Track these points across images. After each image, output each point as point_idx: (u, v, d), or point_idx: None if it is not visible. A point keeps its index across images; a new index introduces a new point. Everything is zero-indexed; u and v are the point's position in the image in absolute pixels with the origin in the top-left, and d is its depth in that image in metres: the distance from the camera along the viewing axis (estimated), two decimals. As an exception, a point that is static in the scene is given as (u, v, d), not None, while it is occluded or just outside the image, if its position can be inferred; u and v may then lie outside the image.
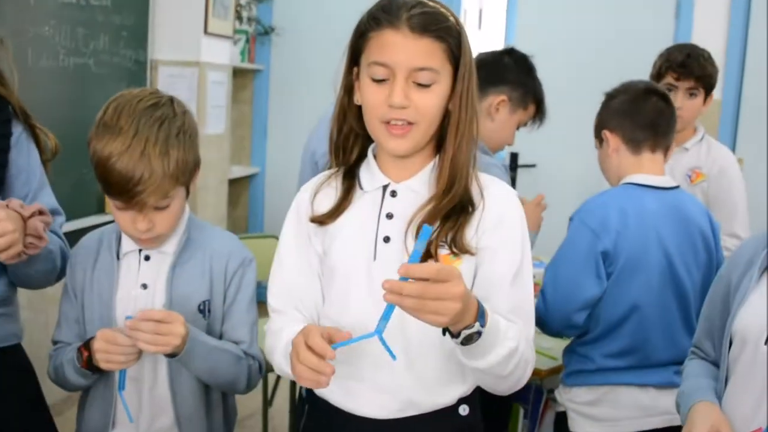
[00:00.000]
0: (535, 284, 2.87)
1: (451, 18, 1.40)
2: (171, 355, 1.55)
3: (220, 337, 1.68)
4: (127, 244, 1.67)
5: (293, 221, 1.53)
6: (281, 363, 1.45)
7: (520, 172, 4.72)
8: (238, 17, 4.41)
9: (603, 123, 2.16)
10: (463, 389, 1.47)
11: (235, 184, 4.95)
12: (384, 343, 1.23)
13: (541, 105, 2.31)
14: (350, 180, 1.49)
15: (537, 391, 2.42)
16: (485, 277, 1.42)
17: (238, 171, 4.95)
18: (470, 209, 1.42)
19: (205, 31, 3.92)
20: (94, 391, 1.68)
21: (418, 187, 1.45)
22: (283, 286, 1.52)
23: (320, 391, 1.48)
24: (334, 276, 1.47)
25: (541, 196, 2.39)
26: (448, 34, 1.38)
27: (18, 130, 1.74)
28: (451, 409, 1.46)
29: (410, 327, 1.35)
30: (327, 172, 1.54)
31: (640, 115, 2.10)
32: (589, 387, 2.04)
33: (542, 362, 2.39)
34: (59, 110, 3.28)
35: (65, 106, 3.34)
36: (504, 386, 1.41)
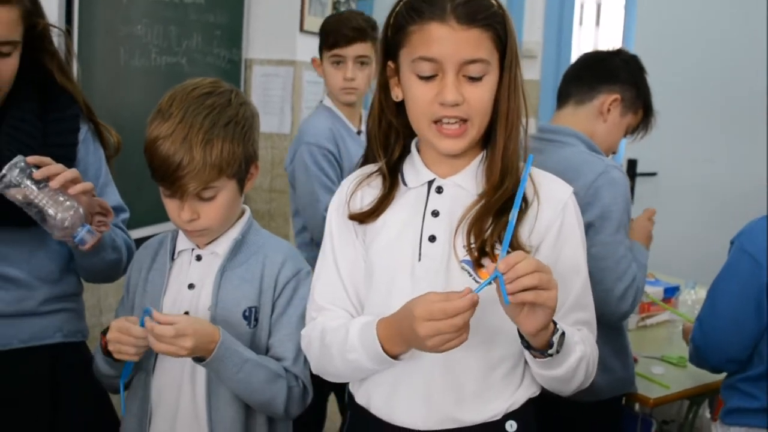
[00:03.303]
0: (650, 303, 2.78)
1: (494, 2, 1.36)
2: (199, 360, 1.54)
3: (267, 351, 1.65)
4: (182, 243, 1.69)
5: (336, 216, 1.52)
6: (358, 359, 1.40)
7: (639, 180, 4.56)
8: (337, 15, 4.44)
9: None
10: (509, 403, 1.43)
11: (332, 189, 4.97)
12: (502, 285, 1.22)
13: (649, 111, 2.22)
14: (393, 176, 1.47)
15: (645, 422, 2.31)
16: None
17: (336, 175, 4.96)
18: (524, 205, 1.37)
19: (301, 29, 3.95)
20: (131, 403, 1.69)
21: (465, 182, 1.43)
22: (329, 283, 1.50)
23: (361, 399, 1.50)
24: (375, 276, 1.45)
25: (653, 210, 2.29)
26: (495, 21, 1.34)
27: (85, 127, 1.81)
28: (496, 425, 1.43)
29: None
30: (366, 169, 1.52)
31: None
32: (750, 428, 1.91)
33: (651, 390, 2.27)
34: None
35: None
36: (570, 389, 1.42)
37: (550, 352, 1.30)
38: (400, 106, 1.45)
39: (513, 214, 1.25)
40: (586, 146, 2.10)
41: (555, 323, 1.29)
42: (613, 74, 2.16)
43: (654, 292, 2.85)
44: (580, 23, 5.62)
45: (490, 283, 1.23)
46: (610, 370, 2.07)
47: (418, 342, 1.28)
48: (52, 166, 1.58)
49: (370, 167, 1.52)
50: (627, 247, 2.00)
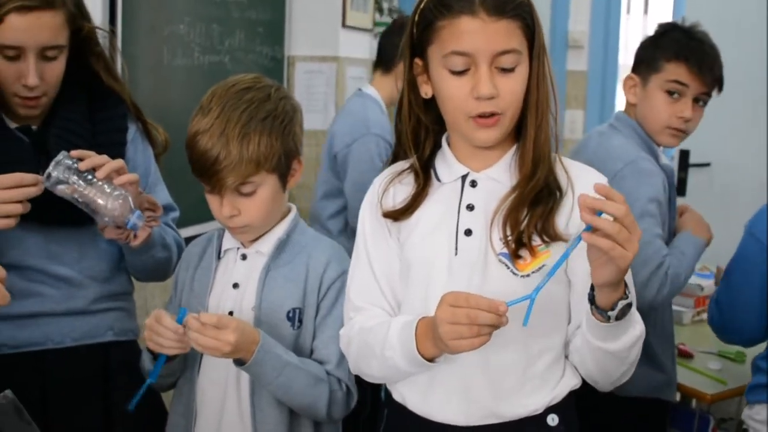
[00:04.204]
0: (705, 297, 2.76)
1: None
2: (239, 363, 1.55)
3: (311, 353, 1.65)
4: (228, 242, 1.71)
5: (369, 215, 1.53)
6: (393, 356, 1.41)
7: (691, 172, 4.49)
8: (378, 9, 4.44)
9: None
10: (550, 397, 1.44)
11: (376, 186, 4.97)
12: (531, 306, 1.26)
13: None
14: (425, 172, 1.48)
15: (702, 419, 2.28)
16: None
17: (381, 172, 4.97)
18: (558, 194, 1.39)
19: (343, 25, 3.96)
20: (177, 402, 1.72)
21: (499, 175, 1.44)
22: (364, 283, 1.52)
23: (398, 396, 1.51)
24: (411, 272, 1.46)
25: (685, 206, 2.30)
26: (523, 11, 1.36)
27: (133, 127, 1.84)
28: (538, 419, 1.43)
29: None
30: (397, 167, 1.53)
31: None
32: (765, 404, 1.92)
33: (708, 385, 2.26)
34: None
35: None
36: (618, 373, 1.42)
37: (609, 314, 1.29)
38: (428, 103, 1.47)
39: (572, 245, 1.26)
40: (637, 136, 2.15)
41: (627, 292, 1.29)
42: (638, 57, 2.22)
43: (708, 284, 2.82)
44: (628, 12, 5.55)
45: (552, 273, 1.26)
46: (662, 368, 2.08)
47: (436, 328, 1.29)
48: (97, 157, 1.62)
49: (401, 164, 1.53)
50: (654, 235, 2.00)
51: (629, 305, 1.30)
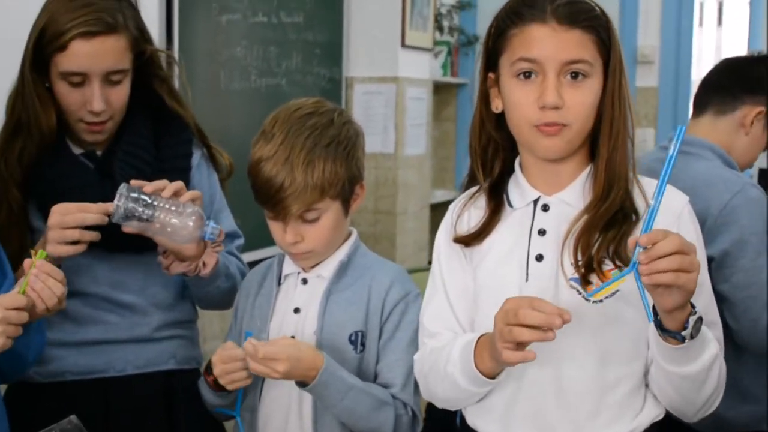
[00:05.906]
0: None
1: (597, 8, 1.41)
2: (302, 385, 1.58)
3: (375, 378, 1.68)
4: (288, 267, 1.75)
5: (443, 240, 1.57)
6: (453, 372, 1.44)
7: (771, 191, 4.44)
8: (439, 27, 4.49)
9: None
10: (631, 427, 1.43)
11: (438, 209, 5.00)
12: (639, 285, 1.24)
13: None
14: (497, 197, 1.51)
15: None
16: None
17: (442, 195, 4.98)
18: (634, 218, 1.39)
19: (403, 44, 4.01)
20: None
21: (571, 199, 1.45)
22: (438, 308, 1.54)
23: (471, 421, 1.52)
24: (483, 298, 1.48)
25: None
26: (598, 25, 1.39)
27: (198, 152, 1.89)
28: None
29: (564, 362, 1.41)
30: (471, 190, 1.56)
31: None
32: None
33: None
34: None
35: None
36: (701, 398, 1.40)
37: (684, 333, 1.28)
38: (500, 121, 1.49)
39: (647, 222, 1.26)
40: (722, 161, 2.08)
41: (693, 306, 1.28)
42: (759, 85, 2.11)
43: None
44: (701, 24, 5.50)
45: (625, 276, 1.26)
46: (757, 399, 2.04)
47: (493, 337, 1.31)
48: (158, 182, 1.67)
49: (475, 188, 1.56)
50: None
51: (700, 319, 1.29)
